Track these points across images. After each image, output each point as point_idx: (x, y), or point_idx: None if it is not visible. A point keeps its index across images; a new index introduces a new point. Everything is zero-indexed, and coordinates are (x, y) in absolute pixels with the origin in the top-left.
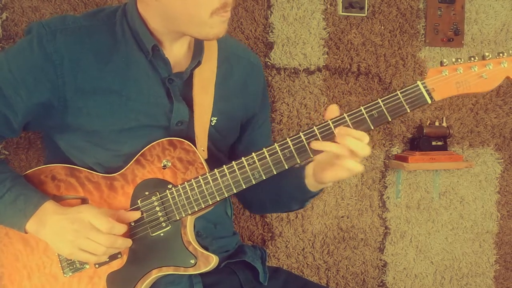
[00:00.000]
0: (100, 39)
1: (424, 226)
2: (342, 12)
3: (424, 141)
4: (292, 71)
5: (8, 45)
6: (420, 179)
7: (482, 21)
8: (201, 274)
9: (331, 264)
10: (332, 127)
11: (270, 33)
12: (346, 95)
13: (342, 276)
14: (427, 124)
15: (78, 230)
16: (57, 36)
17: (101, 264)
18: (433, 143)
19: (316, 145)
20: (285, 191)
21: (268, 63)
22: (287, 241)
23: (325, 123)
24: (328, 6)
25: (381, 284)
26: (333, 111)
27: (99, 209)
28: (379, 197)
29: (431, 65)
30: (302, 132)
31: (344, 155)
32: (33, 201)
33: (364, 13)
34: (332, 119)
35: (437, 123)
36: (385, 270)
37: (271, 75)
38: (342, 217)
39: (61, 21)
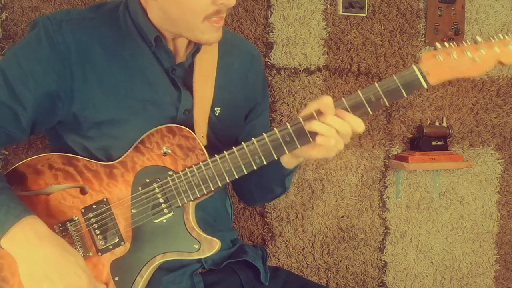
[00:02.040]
0: (104, 31)
1: (424, 226)
2: (342, 12)
3: (424, 141)
4: (292, 71)
5: (8, 45)
6: (420, 179)
7: (482, 21)
8: (202, 274)
9: (331, 264)
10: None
11: (270, 33)
12: (346, 95)
13: (342, 276)
14: (427, 124)
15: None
16: (63, 26)
17: (104, 252)
18: (433, 143)
19: (311, 125)
20: (263, 171)
21: (268, 63)
22: (287, 241)
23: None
24: (328, 6)
25: (381, 284)
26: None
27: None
28: (379, 197)
29: None
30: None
31: (332, 136)
32: (15, 213)
33: (364, 13)
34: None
35: (437, 123)
36: (385, 270)
37: (271, 75)
38: (342, 217)
39: (65, 13)
